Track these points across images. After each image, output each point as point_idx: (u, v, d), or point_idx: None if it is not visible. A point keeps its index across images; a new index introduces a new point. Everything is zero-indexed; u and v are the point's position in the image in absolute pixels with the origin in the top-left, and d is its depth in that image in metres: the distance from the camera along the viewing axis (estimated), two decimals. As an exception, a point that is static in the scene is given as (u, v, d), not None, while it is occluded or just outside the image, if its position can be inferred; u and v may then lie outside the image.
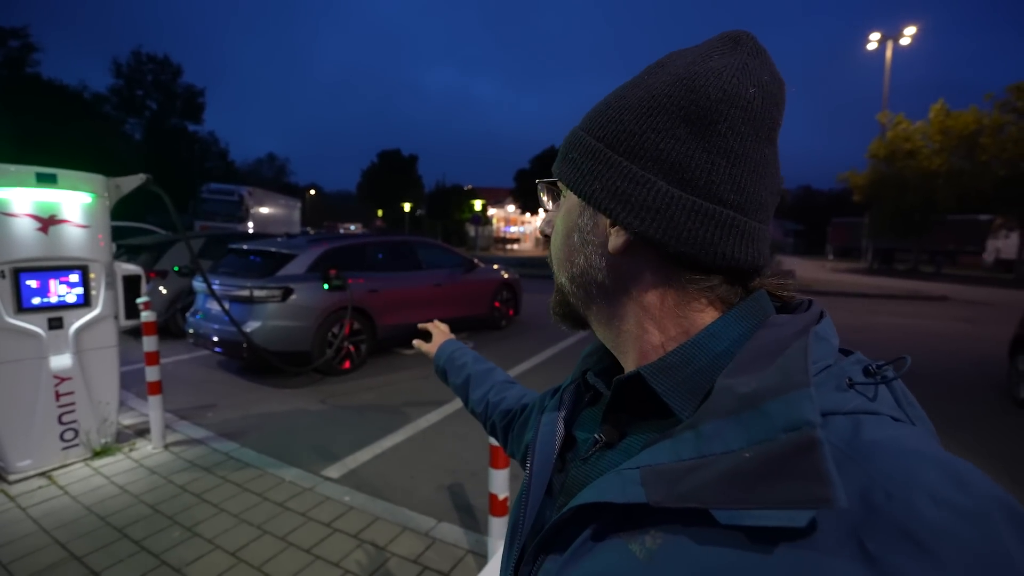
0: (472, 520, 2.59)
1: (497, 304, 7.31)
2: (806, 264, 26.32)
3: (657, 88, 0.41)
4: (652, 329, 0.44)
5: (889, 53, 22.73)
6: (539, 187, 0.56)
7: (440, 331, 1.09)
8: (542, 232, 0.57)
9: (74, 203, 3.00)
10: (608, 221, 0.44)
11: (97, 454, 3.13)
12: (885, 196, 21.42)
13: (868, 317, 9.72)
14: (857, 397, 0.35)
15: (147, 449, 3.27)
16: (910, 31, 22.14)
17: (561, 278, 0.51)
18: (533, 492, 0.51)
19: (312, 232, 12.29)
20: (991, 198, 19.06)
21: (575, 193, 0.46)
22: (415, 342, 1.08)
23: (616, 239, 0.43)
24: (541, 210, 0.58)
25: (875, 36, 22.97)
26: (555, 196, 0.54)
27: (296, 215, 22.31)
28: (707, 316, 0.43)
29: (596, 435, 0.47)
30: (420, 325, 1.17)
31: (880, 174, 21.56)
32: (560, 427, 0.54)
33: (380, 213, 50.22)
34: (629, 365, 0.46)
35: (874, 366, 0.37)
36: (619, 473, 0.38)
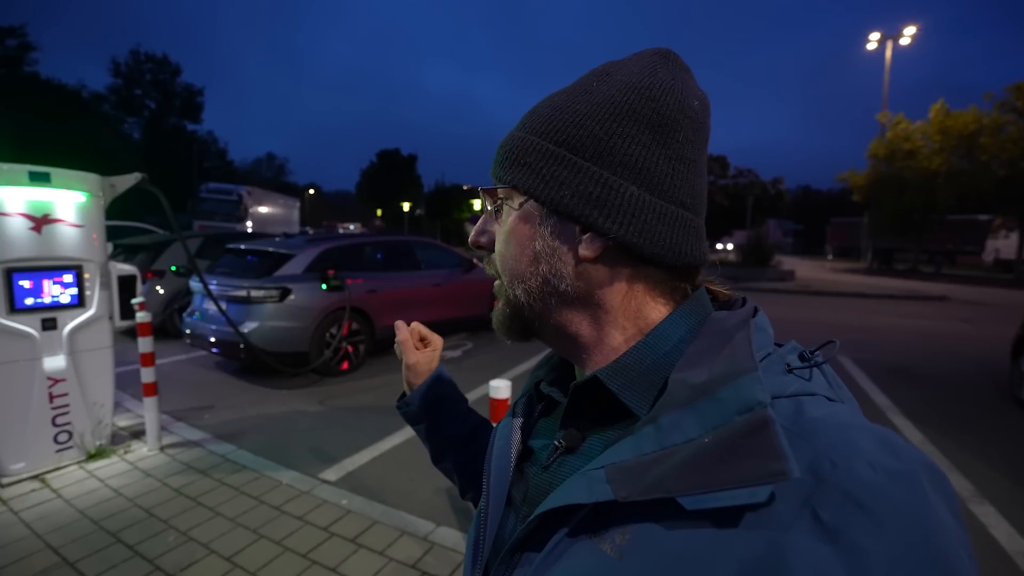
0: (471, 524, 2.56)
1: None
2: (805, 264, 26.34)
3: (616, 96, 0.43)
4: (613, 332, 0.45)
5: (889, 53, 22.74)
6: (482, 195, 0.51)
7: (437, 348, 0.91)
8: (474, 243, 0.52)
9: (68, 202, 2.97)
10: (578, 228, 0.43)
11: (91, 456, 3.09)
12: (884, 196, 21.41)
13: (868, 317, 9.70)
14: (796, 381, 0.38)
15: (142, 451, 3.24)
16: (910, 31, 22.15)
17: (514, 291, 0.47)
18: (492, 507, 0.50)
19: (311, 232, 12.26)
20: (991, 198, 19.05)
21: (537, 200, 0.44)
22: (415, 327, 0.91)
23: (590, 245, 0.43)
24: (480, 220, 0.53)
25: (875, 36, 22.97)
26: (493, 203, 0.49)
27: (295, 215, 22.27)
28: (661, 313, 0.45)
29: (556, 441, 0.47)
30: (410, 324, 0.97)
31: (879, 174, 21.55)
32: (517, 436, 0.54)
33: (379, 213, 50.20)
34: (588, 369, 0.46)
35: (807, 352, 0.41)
36: (584, 474, 0.38)
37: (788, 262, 21.94)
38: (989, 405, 4.61)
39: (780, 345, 0.43)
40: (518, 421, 0.55)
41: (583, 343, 0.46)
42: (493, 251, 0.50)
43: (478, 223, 0.52)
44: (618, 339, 0.45)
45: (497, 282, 0.51)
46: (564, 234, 0.44)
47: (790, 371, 0.38)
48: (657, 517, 0.34)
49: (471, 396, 4.43)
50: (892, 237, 23.35)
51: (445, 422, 0.82)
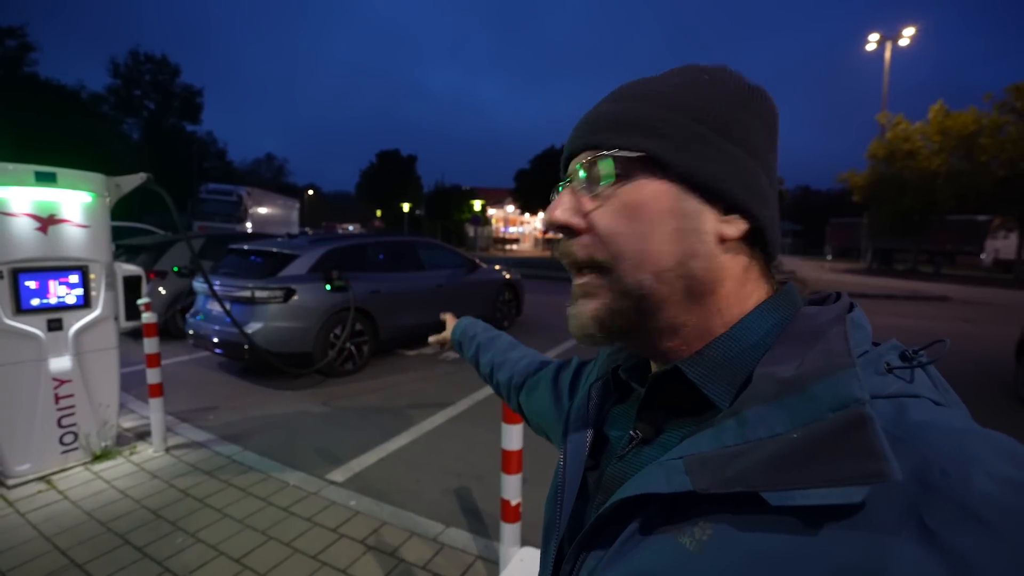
0: (481, 525, 2.55)
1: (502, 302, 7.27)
2: (805, 264, 26.35)
3: (732, 88, 0.43)
4: (716, 321, 0.43)
5: (888, 54, 22.77)
6: (583, 164, 0.44)
7: (452, 318, 1.14)
8: (563, 223, 0.44)
9: (74, 202, 2.95)
10: (719, 209, 0.42)
11: (97, 458, 3.08)
12: (884, 196, 21.43)
13: (870, 318, 9.58)
14: (896, 381, 0.35)
15: (148, 452, 3.22)
16: (909, 32, 22.18)
17: (639, 276, 0.41)
18: (568, 490, 0.50)
19: (311, 232, 12.23)
20: (990, 198, 19.09)
21: (677, 173, 0.41)
22: (431, 339, 1.15)
23: (735, 227, 0.42)
24: (565, 193, 0.45)
25: (874, 37, 23.01)
26: (592, 178, 0.43)
27: (295, 215, 22.25)
28: (756, 303, 0.44)
29: (632, 432, 0.46)
30: (441, 315, 1.24)
31: (879, 174, 21.57)
32: (591, 424, 0.53)
33: (379, 213, 50.18)
34: (682, 357, 0.44)
35: (910, 351, 0.38)
36: (662, 464, 0.37)
37: (788, 262, 21.64)
38: (994, 405, 4.61)
39: (878, 344, 0.40)
40: (593, 405, 0.54)
41: (683, 336, 0.43)
42: (582, 233, 0.43)
43: (563, 199, 0.45)
44: (718, 328, 0.42)
45: (581, 281, 0.44)
46: (702, 215, 0.41)
47: (890, 370, 0.36)
48: (739, 512, 0.32)
49: (476, 397, 4.43)
50: (892, 237, 23.37)
51: (468, 346, 1.00)
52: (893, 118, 21.54)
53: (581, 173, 0.44)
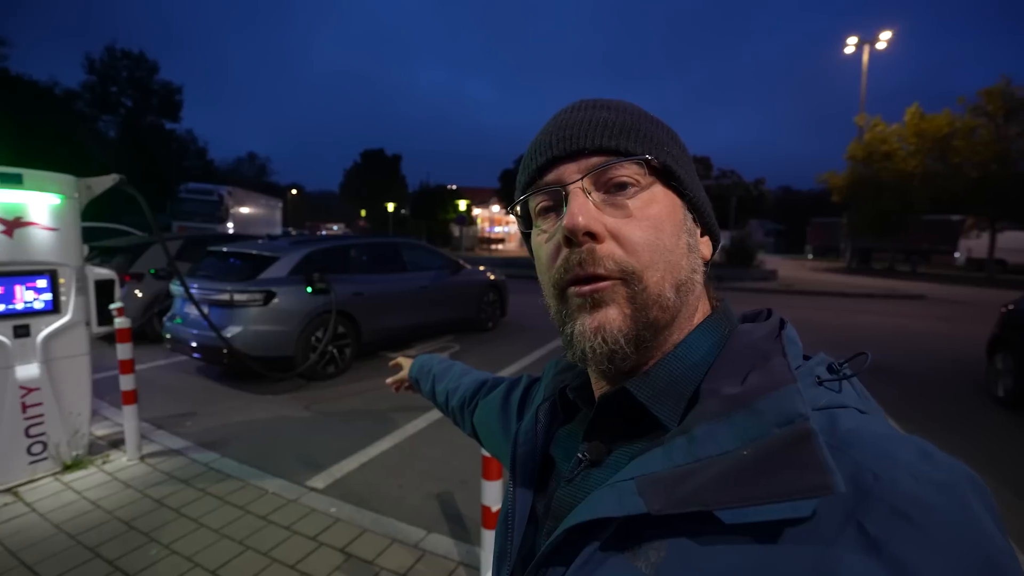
0: (463, 530, 2.53)
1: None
2: (787, 263, 26.77)
3: (660, 122, 0.47)
4: (675, 338, 0.44)
5: (866, 57, 23.23)
6: (599, 168, 0.41)
7: (405, 359, 1.13)
8: (587, 230, 0.40)
9: (41, 204, 2.86)
10: (700, 229, 0.47)
11: (67, 468, 2.99)
12: (863, 197, 21.86)
13: (849, 316, 9.89)
14: (827, 393, 0.37)
15: (121, 461, 3.14)
16: (886, 36, 22.66)
17: (664, 286, 0.41)
18: (518, 516, 0.49)
19: (294, 233, 12.08)
20: (963, 199, 19.59)
21: (690, 194, 0.45)
22: (388, 381, 1.13)
23: (707, 247, 0.47)
24: (582, 197, 0.41)
25: (852, 40, 23.46)
26: (616, 183, 0.42)
27: (277, 215, 21.95)
28: (699, 321, 0.46)
29: (580, 454, 0.45)
30: (391, 363, 1.20)
31: (858, 175, 22.00)
32: (539, 447, 0.52)
33: (363, 213, 49.75)
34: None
35: (836, 364, 0.40)
36: (613, 486, 0.37)
37: (770, 261, 22.27)
38: (968, 402, 4.73)
39: (808, 357, 0.42)
40: (541, 427, 0.53)
41: (656, 348, 0.43)
42: (604, 240, 0.41)
43: (581, 204, 0.41)
44: (670, 346, 0.45)
45: (597, 287, 0.41)
46: (698, 231, 0.47)
47: (820, 383, 0.38)
48: (693, 532, 0.32)
49: (460, 399, 4.40)
50: (870, 237, 23.84)
51: (424, 380, 1.02)
52: (871, 120, 21.99)
53: (590, 179, 0.42)
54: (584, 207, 0.41)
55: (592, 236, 0.41)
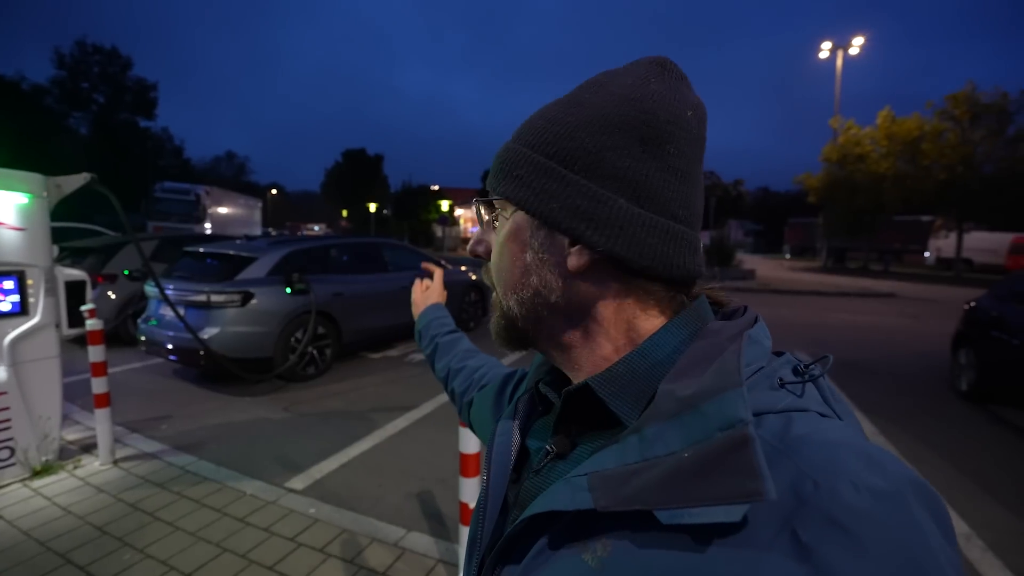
0: (442, 528, 2.55)
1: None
2: (765, 263, 27.30)
3: (607, 108, 0.42)
4: (604, 342, 0.45)
5: (840, 62, 23.83)
6: (475, 205, 0.53)
7: (437, 281, 1.09)
8: (472, 252, 0.54)
9: (8, 204, 2.79)
10: (567, 240, 0.43)
11: (37, 473, 2.92)
12: (837, 198, 22.43)
13: (824, 314, 10.14)
14: (787, 396, 0.37)
15: (94, 466, 3.07)
16: (858, 41, 23.28)
17: (508, 301, 0.48)
18: (491, 505, 0.50)
19: (273, 233, 11.90)
20: (932, 200, 20.25)
21: (527, 212, 0.45)
22: (416, 288, 1.08)
23: (579, 258, 0.43)
24: (478, 230, 0.54)
25: (827, 45, 24.04)
26: (490, 212, 0.51)
27: (257, 215, 21.61)
28: (655, 324, 0.44)
29: (547, 446, 0.47)
30: (424, 264, 1.21)
31: (833, 177, 22.56)
32: (516, 437, 0.54)
33: (345, 213, 49.22)
34: (580, 378, 0.46)
35: (802, 365, 0.40)
36: (567, 481, 0.38)
37: (749, 261, 22.70)
38: (934, 396, 4.91)
39: (779, 354, 0.42)
40: (518, 420, 0.55)
41: (575, 354, 0.46)
42: (490, 260, 0.51)
43: (477, 232, 0.54)
44: (608, 349, 0.45)
45: (494, 293, 0.51)
46: (553, 247, 0.44)
47: (782, 385, 0.37)
48: (636, 530, 0.33)
49: (440, 400, 4.41)
50: (845, 237, 24.47)
51: (427, 343, 0.98)
52: (845, 123, 22.59)
53: (482, 213, 0.52)
54: (475, 235, 0.54)
55: (479, 256, 0.53)
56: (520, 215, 0.46)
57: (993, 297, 4.82)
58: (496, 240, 0.49)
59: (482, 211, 0.52)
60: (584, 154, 0.42)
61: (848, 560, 0.27)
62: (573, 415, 0.46)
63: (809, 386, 0.38)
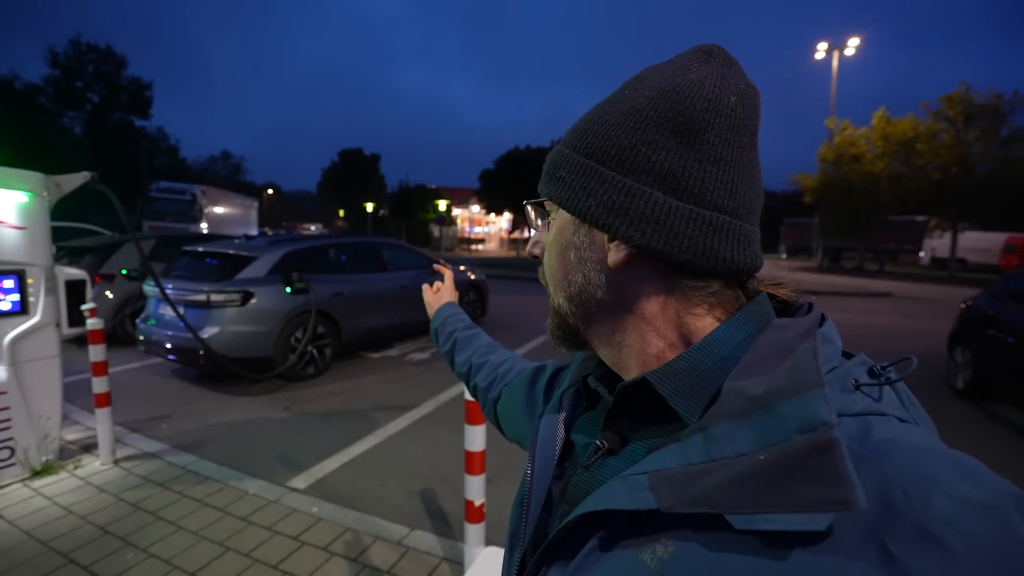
0: (446, 527, 2.55)
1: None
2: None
3: (641, 102, 0.42)
4: (653, 339, 0.44)
5: (836, 62, 23.97)
6: (526, 208, 0.55)
7: (448, 282, 1.10)
8: (531, 254, 0.55)
9: (8, 202, 2.78)
10: (606, 237, 0.44)
11: (37, 473, 2.90)
12: (833, 198, 22.55)
13: (820, 313, 10.19)
14: (864, 399, 0.35)
15: (95, 466, 3.06)
16: (854, 42, 23.42)
17: (558, 299, 0.50)
18: (534, 499, 0.49)
19: (270, 233, 11.88)
20: (927, 200, 20.39)
21: (568, 211, 0.46)
22: (426, 290, 1.09)
23: (616, 254, 0.43)
24: (529, 230, 0.57)
25: (823, 46, 24.17)
26: (543, 216, 0.53)
27: (253, 215, 21.53)
28: (707, 321, 0.43)
29: (598, 441, 0.45)
30: (436, 266, 1.26)
31: (828, 177, 22.68)
32: (560, 431, 0.53)
33: (342, 213, 49.10)
34: (630, 375, 0.45)
35: (878, 367, 0.38)
36: (626, 479, 0.37)
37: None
38: (930, 394, 4.94)
39: (849, 356, 0.40)
40: (563, 414, 0.54)
41: (625, 351, 0.46)
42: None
43: (534, 235, 0.55)
44: (658, 346, 0.44)
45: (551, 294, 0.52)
46: (594, 244, 0.45)
47: (857, 387, 0.36)
48: (702, 532, 0.32)
49: (441, 399, 4.42)
50: (840, 236, 24.61)
51: (445, 339, 0.97)
52: (840, 123, 22.71)
53: (536, 215, 0.55)
54: (533, 236, 0.55)
55: (537, 257, 0.54)
56: (564, 215, 0.48)
57: (989, 296, 4.86)
58: (547, 241, 0.51)
59: (532, 214, 0.55)
60: (618, 150, 0.42)
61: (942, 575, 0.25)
62: (626, 410, 0.45)
63: (887, 390, 0.37)
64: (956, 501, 0.27)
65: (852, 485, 0.27)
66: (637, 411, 0.44)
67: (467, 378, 0.90)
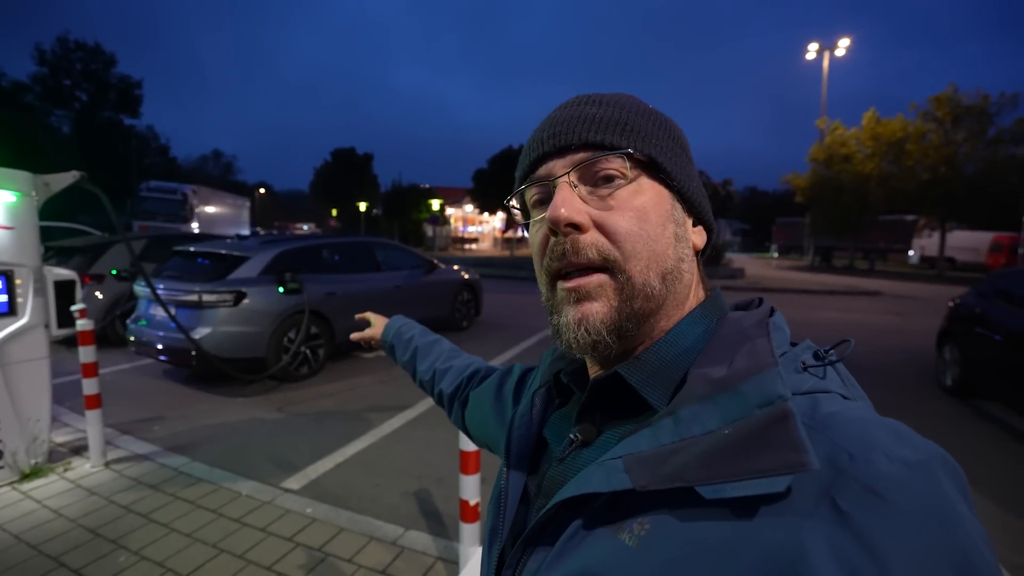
0: (440, 526, 2.55)
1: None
2: (754, 262, 27.61)
3: (662, 120, 0.48)
4: (664, 325, 0.46)
5: (826, 63, 24.17)
6: (586, 162, 0.43)
7: (377, 316, 1.11)
8: (569, 222, 0.42)
9: (-4, 203, 2.74)
10: (691, 219, 0.49)
11: (26, 476, 2.87)
12: (824, 197, 22.76)
13: (812, 312, 10.28)
14: (811, 378, 0.39)
15: (85, 468, 3.03)
16: (844, 43, 23.63)
17: (649, 275, 0.43)
18: (511, 495, 0.51)
19: (262, 232, 11.81)
20: (916, 200, 20.62)
21: (673, 182, 0.46)
22: (353, 336, 1.10)
23: (700, 237, 0.49)
24: (567, 190, 0.43)
25: (813, 47, 24.36)
26: (602, 176, 0.43)
27: (245, 215, 21.42)
28: (691, 308, 0.48)
29: (572, 435, 0.47)
30: (357, 316, 1.18)
31: (819, 176, 22.88)
32: (534, 429, 0.55)
33: (334, 213, 48.84)
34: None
35: (822, 351, 0.41)
36: (602, 464, 0.38)
37: (737, 260, 22.94)
38: (918, 391, 5.00)
39: (795, 344, 0.44)
40: (536, 411, 0.56)
41: (644, 335, 0.45)
42: (586, 232, 0.43)
43: (566, 197, 0.43)
44: (659, 333, 0.47)
45: (584, 282, 0.43)
46: (688, 221, 0.48)
47: (805, 369, 0.39)
48: (675, 507, 0.34)
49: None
50: (831, 236, 24.84)
51: (402, 349, 0.97)
52: (831, 124, 22.91)
53: (576, 173, 0.44)
54: (566, 200, 0.42)
55: (576, 227, 0.42)
56: (656, 186, 0.45)
57: (977, 295, 4.93)
58: (626, 205, 0.43)
59: (593, 169, 0.44)
60: (684, 146, 0.49)
61: (885, 525, 0.28)
62: (598, 404, 0.47)
63: (829, 370, 0.40)
64: (894, 461, 0.30)
65: (806, 450, 0.31)
66: (609, 404, 0.46)
67: (431, 385, 0.89)
